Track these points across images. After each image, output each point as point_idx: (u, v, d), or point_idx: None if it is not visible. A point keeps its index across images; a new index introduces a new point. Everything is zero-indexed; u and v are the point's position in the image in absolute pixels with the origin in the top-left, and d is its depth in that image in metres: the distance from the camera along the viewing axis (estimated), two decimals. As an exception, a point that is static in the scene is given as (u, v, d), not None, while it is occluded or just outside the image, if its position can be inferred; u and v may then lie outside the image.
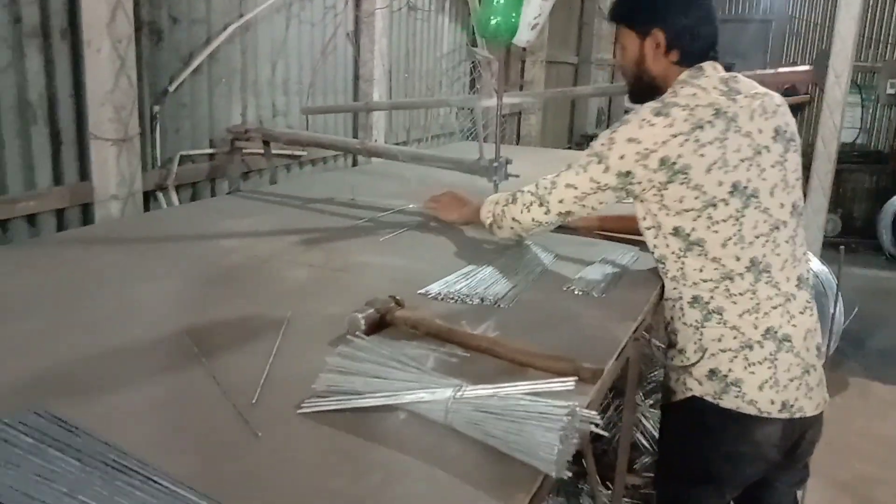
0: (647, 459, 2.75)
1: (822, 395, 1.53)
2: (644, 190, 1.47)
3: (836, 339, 3.76)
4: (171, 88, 2.48)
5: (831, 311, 3.07)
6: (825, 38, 7.75)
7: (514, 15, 1.69)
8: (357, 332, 1.26)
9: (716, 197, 1.41)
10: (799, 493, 1.64)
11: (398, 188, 2.68)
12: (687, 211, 1.44)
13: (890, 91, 7.30)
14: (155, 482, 0.81)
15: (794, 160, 1.52)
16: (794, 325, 1.47)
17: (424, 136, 4.25)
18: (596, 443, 2.56)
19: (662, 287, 1.63)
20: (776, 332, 1.46)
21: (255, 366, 1.16)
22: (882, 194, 7.27)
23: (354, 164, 3.47)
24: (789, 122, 1.53)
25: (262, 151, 2.68)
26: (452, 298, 1.49)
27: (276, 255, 1.80)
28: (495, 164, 2.17)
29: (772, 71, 1.82)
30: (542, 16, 2.06)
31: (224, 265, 1.72)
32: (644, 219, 1.54)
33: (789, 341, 1.46)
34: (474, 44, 4.30)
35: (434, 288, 1.53)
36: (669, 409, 1.63)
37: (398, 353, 1.15)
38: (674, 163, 1.41)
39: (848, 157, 7.03)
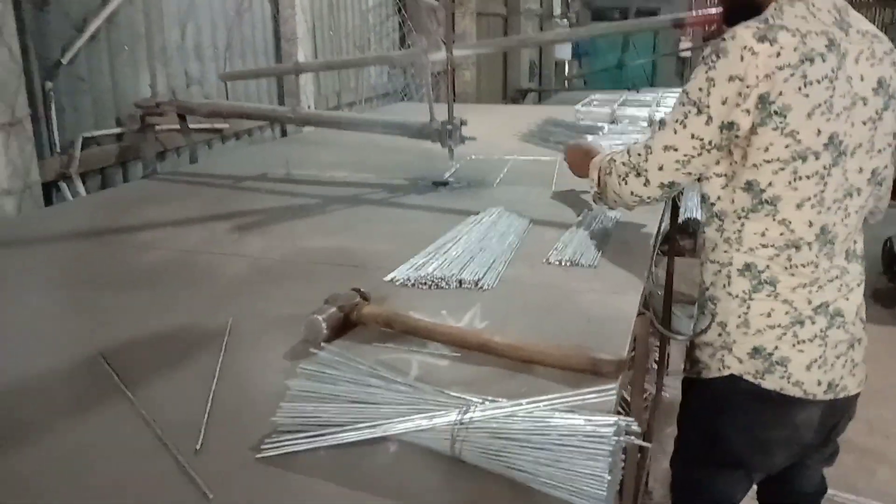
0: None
1: (863, 371, 1.36)
2: (741, 139, 1.22)
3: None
4: (65, 60, 2.13)
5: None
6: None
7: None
8: (319, 339, 1.03)
9: (809, 148, 1.18)
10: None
11: (337, 157, 2.41)
12: (769, 162, 1.20)
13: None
14: None
15: (889, 121, 1.29)
16: (847, 300, 1.30)
17: (357, 99, 3.95)
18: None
19: (658, 252, 1.44)
20: (828, 307, 1.28)
21: (193, 394, 0.92)
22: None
23: (283, 134, 3.17)
24: (894, 75, 1.28)
25: (177, 127, 2.36)
26: (425, 283, 1.27)
27: (204, 246, 1.53)
28: (449, 127, 1.94)
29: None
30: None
31: (143, 264, 1.44)
32: (717, 162, 1.27)
33: (841, 316, 1.29)
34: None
35: (401, 273, 1.31)
36: (695, 385, 1.41)
37: (375, 361, 0.93)
38: (772, 101, 1.16)
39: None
